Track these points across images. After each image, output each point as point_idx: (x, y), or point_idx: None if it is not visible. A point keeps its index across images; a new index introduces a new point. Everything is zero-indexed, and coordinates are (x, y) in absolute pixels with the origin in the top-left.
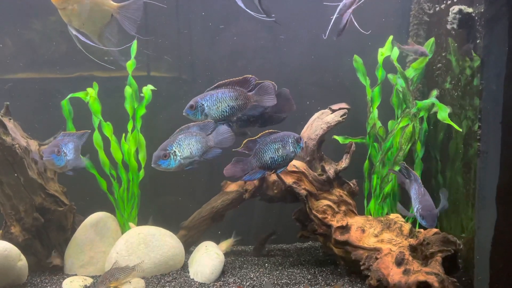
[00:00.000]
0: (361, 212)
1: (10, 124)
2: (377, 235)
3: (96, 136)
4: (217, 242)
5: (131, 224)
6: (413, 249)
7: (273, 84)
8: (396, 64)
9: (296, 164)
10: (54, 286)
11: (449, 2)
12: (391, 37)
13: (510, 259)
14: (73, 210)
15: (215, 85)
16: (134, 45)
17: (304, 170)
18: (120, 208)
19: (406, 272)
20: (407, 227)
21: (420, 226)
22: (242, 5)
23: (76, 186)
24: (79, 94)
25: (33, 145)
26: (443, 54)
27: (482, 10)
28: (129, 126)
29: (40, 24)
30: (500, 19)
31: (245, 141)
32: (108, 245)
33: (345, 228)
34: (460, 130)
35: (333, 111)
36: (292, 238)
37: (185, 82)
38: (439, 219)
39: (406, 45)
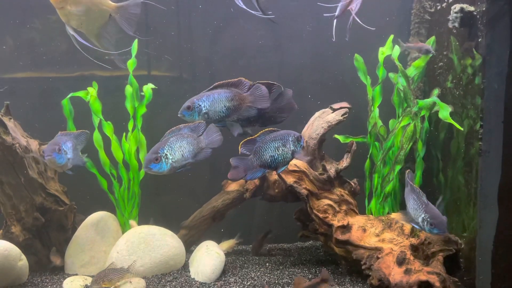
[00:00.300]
0: (362, 211)
1: (10, 123)
2: (378, 234)
3: (97, 135)
4: (218, 241)
5: (131, 221)
6: (414, 248)
7: (278, 85)
8: (397, 62)
9: (297, 163)
10: (54, 285)
11: (450, 0)
12: (391, 36)
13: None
14: (74, 209)
15: (211, 86)
16: (135, 44)
17: (305, 170)
18: (120, 208)
19: (407, 271)
20: (408, 226)
21: None
22: (238, 2)
23: (76, 186)
24: (80, 93)
25: (34, 144)
26: (445, 52)
27: (484, 9)
28: (130, 125)
29: (40, 23)
30: (502, 17)
31: (241, 143)
32: (108, 244)
33: (346, 228)
34: (462, 129)
35: (334, 110)
36: (293, 237)
37: (185, 81)
38: None
39: (409, 43)
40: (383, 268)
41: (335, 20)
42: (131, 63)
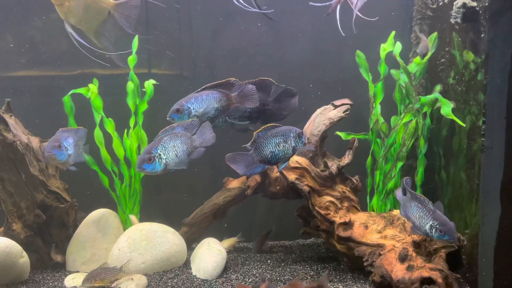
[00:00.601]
0: (363, 208)
1: (11, 120)
2: (380, 231)
3: (98, 132)
4: (220, 239)
5: (131, 216)
6: (416, 245)
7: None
8: (398, 59)
9: (299, 160)
10: (56, 282)
11: None
12: (393, 33)
13: None
14: (75, 206)
15: (200, 89)
16: (135, 40)
17: (306, 166)
18: (122, 205)
19: (409, 268)
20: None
21: None
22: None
23: (77, 183)
24: (81, 90)
25: (35, 141)
26: (447, 48)
27: (487, 4)
28: (131, 122)
29: (41, 21)
30: (505, 12)
31: (255, 132)
32: (110, 241)
33: (348, 224)
34: (464, 125)
35: (336, 106)
36: (295, 234)
37: (186, 79)
38: None
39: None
40: (385, 264)
41: (338, 16)
42: (131, 60)
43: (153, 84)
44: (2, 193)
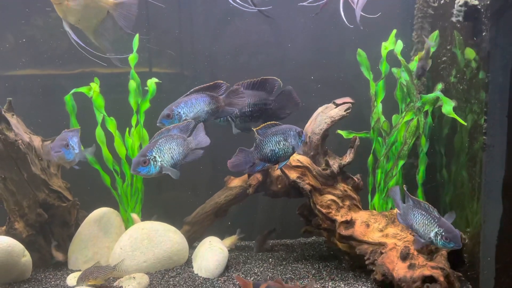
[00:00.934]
0: (365, 207)
1: (13, 119)
2: (382, 229)
3: (99, 131)
4: (221, 237)
5: (133, 215)
6: None
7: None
8: (400, 57)
9: (300, 158)
10: (58, 281)
11: None
12: (394, 31)
13: None
14: (77, 205)
15: (188, 92)
16: (136, 39)
17: (308, 165)
18: (123, 204)
19: (411, 266)
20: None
21: None
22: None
23: (79, 182)
24: (82, 89)
25: (36, 141)
26: (448, 47)
27: (488, 2)
28: (133, 121)
29: (42, 20)
30: (506, 11)
31: (255, 129)
32: (112, 240)
33: (349, 223)
34: (465, 124)
35: (337, 105)
36: (296, 233)
37: (187, 78)
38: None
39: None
40: (386, 263)
41: (342, 12)
42: (132, 59)
43: (155, 83)
44: (4, 192)
